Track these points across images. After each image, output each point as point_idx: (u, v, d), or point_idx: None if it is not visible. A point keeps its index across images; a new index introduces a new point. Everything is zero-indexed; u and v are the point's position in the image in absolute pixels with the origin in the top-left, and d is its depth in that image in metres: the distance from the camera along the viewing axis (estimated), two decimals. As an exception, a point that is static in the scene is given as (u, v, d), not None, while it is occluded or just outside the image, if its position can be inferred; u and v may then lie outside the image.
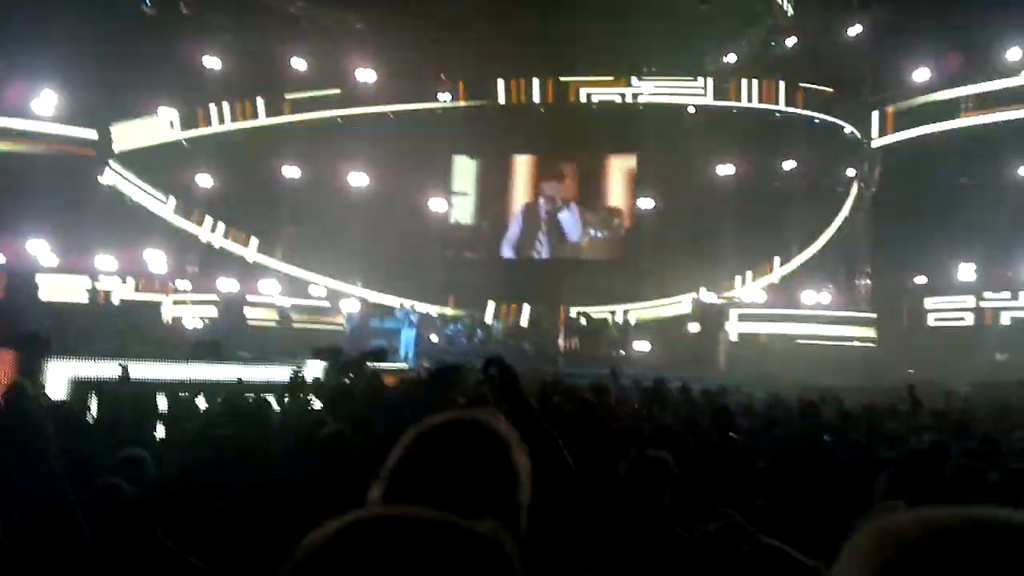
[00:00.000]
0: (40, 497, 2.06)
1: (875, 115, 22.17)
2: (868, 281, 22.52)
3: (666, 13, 21.85)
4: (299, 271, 24.24)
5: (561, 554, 2.16)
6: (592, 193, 25.94)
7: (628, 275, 23.75)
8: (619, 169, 25.96)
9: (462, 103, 24.72)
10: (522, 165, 26.42)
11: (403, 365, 15.81)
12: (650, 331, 22.40)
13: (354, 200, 24.66)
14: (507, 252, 26.14)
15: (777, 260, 23.00)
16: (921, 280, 21.15)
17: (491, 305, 23.83)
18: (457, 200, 26.41)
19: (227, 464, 4.20)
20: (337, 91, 24.75)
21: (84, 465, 3.67)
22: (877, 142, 22.13)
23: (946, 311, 20.30)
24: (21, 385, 2.28)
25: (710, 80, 23.77)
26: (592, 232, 25.80)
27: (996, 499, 3.05)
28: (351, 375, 7.06)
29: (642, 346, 21.68)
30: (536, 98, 24.48)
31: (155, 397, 6.80)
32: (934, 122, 20.85)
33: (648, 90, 24.05)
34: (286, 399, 6.81)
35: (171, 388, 7.55)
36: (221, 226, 24.37)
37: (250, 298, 21.90)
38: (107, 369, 8.19)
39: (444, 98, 24.71)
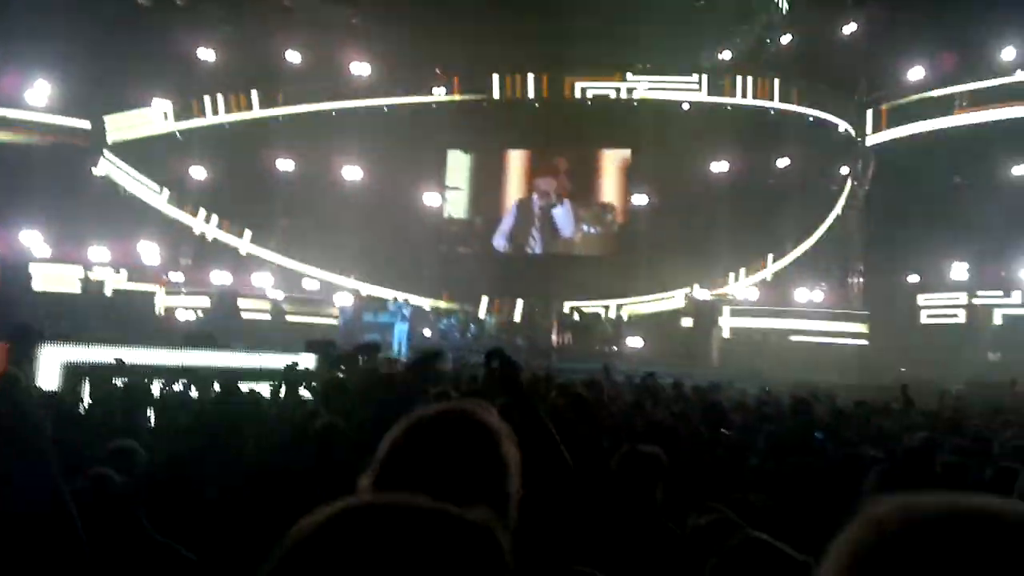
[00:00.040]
0: (33, 488, 2.06)
1: (869, 113, 22.22)
2: (861, 279, 22.57)
3: (661, 9, 21.86)
4: (293, 263, 24.19)
5: (552, 546, 2.16)
6: (585, 189, 25.95)
7: (621, 271, 23.79)
8: (613, 165, 25.97)
9: (457, 97, 24.70)
10: (516, 160, 26.41)
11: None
12: (643, 327, 22.43)
13: (348, 194, 24.62)
14: (499, 243, 26.11)
15: (771, 257, 23.04)
16: (914, 279, 21.21)
17: (484, 300, 23.83)
18: (451, 195, 26.40)
19: (219, 454, 4.19)
20: (331, 84, 24.69)
21: (75, 455, 3.66)
22: (871, 140, 22.17)
23: (939, 306, 20.37)
24: (14, 376, 2.28)
25: (705, 77, 23.78)
26: (585, 228, 25.81)
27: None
28: (344, 368, 7.06)
29: (635, 342, 21.70)
30: (531, 93, 24.46)
31: (148, 387, 6.79)
32: (928, 124, 20.91)
33: (643, 86, 24.05)
34: (281, 391, 6.80)
35: (165, 376, 7.53)
36: (214, 218, 24.31)
37: (243, 291, 21.85)
38: (99, 356, 8.19)
39: (439, 92, 24.67)
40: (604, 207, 25.86)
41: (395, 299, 21.98)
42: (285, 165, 24.81)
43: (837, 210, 22.66)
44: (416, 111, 24.61)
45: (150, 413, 6.37)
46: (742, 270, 23.01)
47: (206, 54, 23.64)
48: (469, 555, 0.78)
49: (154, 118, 24.26)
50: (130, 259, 22.28)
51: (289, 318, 21.47)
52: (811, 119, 23.05)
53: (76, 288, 20.95)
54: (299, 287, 23.45)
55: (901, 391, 8.78)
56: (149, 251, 22.79)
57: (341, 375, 6.91)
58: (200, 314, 20.75)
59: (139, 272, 22.14)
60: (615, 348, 21.21)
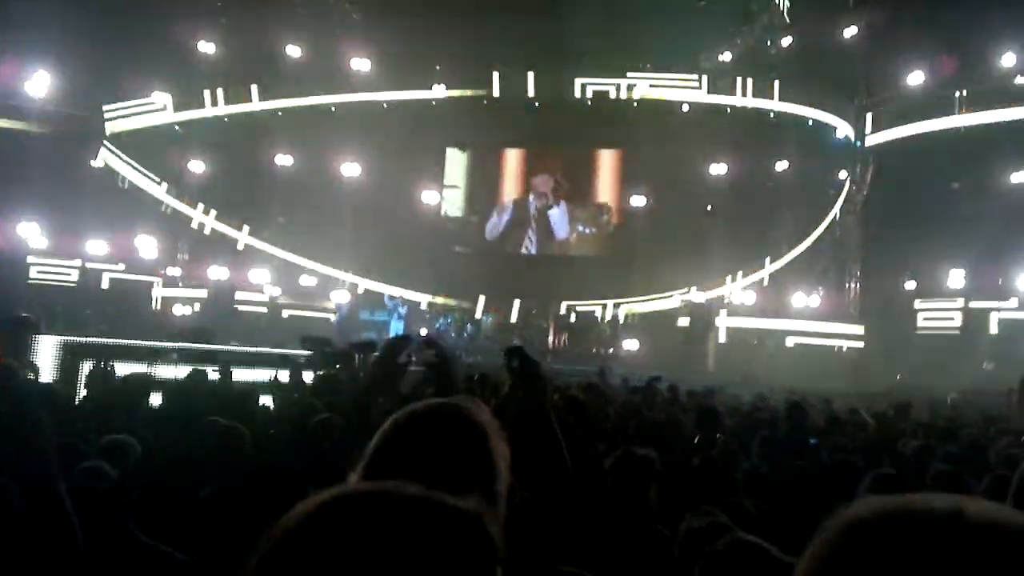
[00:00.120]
0: (31, 486, 2.05)
1: (868, 117, 22.23)
2: (858, 284, 22.58)
3: (662, 10, 21.85)
4: (290, 255, 24.15)
5: (544, 546, 2.17)
6: (582, 189, 25.89)
7: (618, 272, 23.77)
8: (610, 165, 25.94)
9: (455, 92, 24.66)
10: (513, 159, 26.38)
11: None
12: (640, 330, 22.42)
13: (346, 190, 24.60)
14: (492, 234, 26.09)
15: (767, 261, 23.04)
16: (911, 285, 21.21)
17: (481, 300, 23.82)
18: (448, 193, 26.37)
19: (214, 452, 4.18)
20: (331, 79, 24.69)
21: (69, 449, 3.65)
22: (870, 143, 22.18)
23: (935, 309, 20.38)
24: (10, 367, 2.26)
25: (704, 77, 23.78)
26: (581, 228, 25.77)
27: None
28: (339, 365, 7.06)
29: (631, 345, 21.71)
30: (531, 92, 24.44)
31: (147, 379, 6.79)
32: (927, 125, 20.96)
33: (643, 87, 24.04)
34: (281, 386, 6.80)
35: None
36: (212, 212, 24.28)
37: (240, 287, 21.85)
38: (96, 348, 8.19)
39: (438, 90, 24.65)
40: (600, 208, 25.83)
41: (392, 297, 22.00)
42: (284, 160, 24.78)
43: (834, 213, 22.67)
44: (415, 108, 24.58)
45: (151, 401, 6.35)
46: (739, 274, 23.00)
47: (206, 47, 23.62)
48: (459, 542, 0.78)
49: (153, 110, 24.24)
50: (128, 253, 22.28)
51: (285, 314, 21.47)
52: (810, 122, 23.05)
53: (72, 281, 20.98)
54: (296, 284, 23.42)
55: (897, 409, 8.74)
56: (147, 245, 22.78)
57: (335, 372, 6.91)
58: (196, 309, 20.76)
59: (137, 266, 22.16)
60: (611, 350, 21.21)
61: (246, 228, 24.30)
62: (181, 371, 7.36)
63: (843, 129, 22.69)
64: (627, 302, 23.41)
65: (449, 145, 26.20)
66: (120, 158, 23.63)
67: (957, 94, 20.44)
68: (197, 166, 24.36)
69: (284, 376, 7.69)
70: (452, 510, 0.80)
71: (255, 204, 24.09)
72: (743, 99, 23.35)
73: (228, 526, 3.06)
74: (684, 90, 23.97)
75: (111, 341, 7.71)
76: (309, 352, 9.06)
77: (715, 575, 2.08)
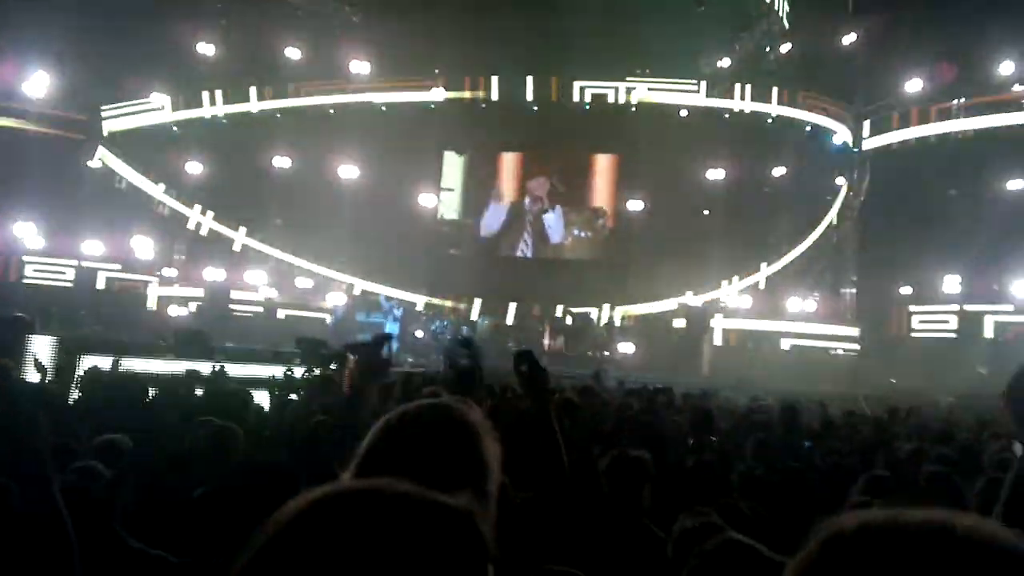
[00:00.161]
0: (26, 483, 2.05)
1: (867, 124, 22.29)
2: (854, 290, 22.62)
3: (661, 16, 21.88)
4: (286, 255, 24.13)
5: (536, 545, 2.18)
6: (578, 193, 25.90)
7: (614, 275, 23.79)
8: (606, 170, 25.94)
9: (453, 94, 24.67)
10: (510, 162, 26.39)
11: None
12: (635, 333, 22.43)
13: (344, 192, 24.59)
14: (486, 231, 26.11)
15: (764, 266, 23.07)
16: (907, 290, 21.26)
17: (477, 302, 23.82)
18: (444, 196, 26.37)
19: (208, 451, 4.18)
20: (330, 81, 24.70)
21: (62, 448, 3.64)
22: (867, 150, 22.24)
23: (931, 315, 20.42)
24: (3, 367, 2.26)
25: (703, 83, 23.82)
26: (576, 232, 25.79)
27: (973, 505, 3.08)
28: (334, 367, 7.05)
29: (627, 348, 21.71)
30: (530, 96, 24.45)
31: (142, 382, 6.77)
32: (925, 133, 21.02)
33: (641, 91, 24.06)
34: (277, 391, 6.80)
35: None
36: (209, 213, 24.26)
37: (236, 288, 21.82)
38: (91, 349, 8.18)
39: (437, 93, 24.66)
40: (595, 212, 25.84)
41: (388, 299, 21.98)
42: (281, 162, 24.76)
43: (830, 216, 22.71)
44: (413, 111, 24.60)
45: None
46: (735, 278, 23.02)
47: (206, 48, 23.63)
48: (450, 540, 0.78)
49: (152, 112, 24.22)
50: (124, 253, 22.26)
51: (281, 315, 21.43)
52: (808, 129, 23.11)
53: (68, 282, 20.95)
54: (293, 286, 23.39)
55: (890, 412, 8.77)
56: (143, 246, 22.75)
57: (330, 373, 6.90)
58: (195, 310, 20.74)
59: (132, 266, 22.13)
60: (607, 353, 21.21)
61: (243, 229, 24.27)
62: (177, 367, 7.37)
63: (841, 135, 22.75)
64: (623, 305, 23.42)
65: (447, 148, 26.21)
66: (118, 158, 23.61)
67: (955, 101, 20.53)
68: (195, 167, 24.35)
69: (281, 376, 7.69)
70: (444, 508, 0.80)
71: (252, 205, 24.07)
72: (741, 102, 23.38)
73: (221, 526, 3.05)
74: (683, 94, 23.99)
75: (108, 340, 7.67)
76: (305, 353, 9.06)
77: (705, 574, 2.08)
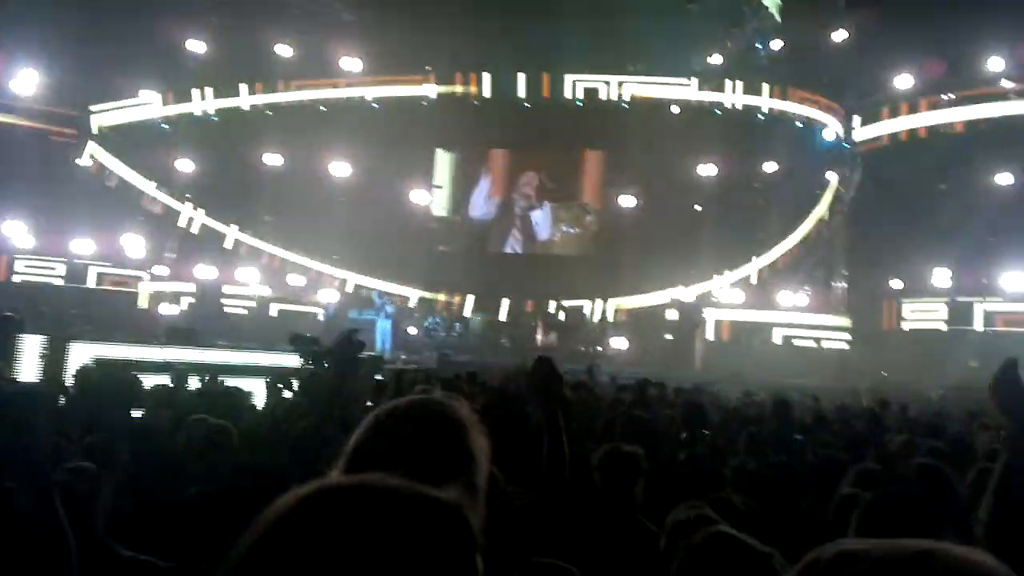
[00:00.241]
0: (24, 485, 2.04)
1: (857, 119, 22.38)
2: (845, 284, 22.71)
3: (652, 14, 21.91)
4: (278, 250, 24.08)
5: (527, 540, 2.19)
6: (568, 189, 25.93)
7: (605, 271, 23.80)
8: (596, 166, 25.98)
9: (444, 88, 24.64)
10: (500, 159, 26.39)
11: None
12: (628, 328, 22.47)
13: (335, 190, 24.56)
14: (475, 213, 26.17)
15: (755, 260, 23.13)
16: (897, 284, 21.37)
17: (471, 298, 23.83)
18: (434, 192, 26.36)
19: (202, 452, 4.17)
20: (321, 78, 24.65)
21: (54, 449, 3.63)
22: (858, 145, 22.34)
23: (921, 309, 20.51)
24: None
25: (695, 80, 23.86)
26: (564, 228, 25.82)
27: (967, 497, 3.10)
28: (326, 364, 7.02)
29: (619, 343, 21.75)
30: (522, 92, 24.44)
31: (136, 381, 6.74)
32: (914, 124, 21.15)
33: (632, 87, 24.07)
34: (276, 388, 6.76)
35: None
36: (200, 211, 24.18)
37: (227, 286, 21.77)
38: (81, 347, 8.16)
39: (428, 90, 24.63)
40: (583, 208, 25.87)
41: (381, 295, 21.94)
42: (273, 160, 24.70)
43: (820, 210, 22.79)
44: (404, 108, 24.56)
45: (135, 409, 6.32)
46: (727, 273, 23.07)
47: (196, 45, 23.54)
48: (439, 533, 0.79)
49: (141, 109, 24.13)
50: (114, 251, 22.19)
51: (273, 312, 21.39)
52: (799, 124, 23.18)
53: (58, 280, 20.89)
54: (284, 284, 23.35)
55: (880, 404, 8.82)
56: (134, 243, 22.68)
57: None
58: (186, 308, 20.68)
59: (123, 265, 22.07)
60: (600, 348, 21.24)
61: (234, 226, 24.21)
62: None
63: (831, 130, 22.83)
64: (615, 300, 23.45)
65: (438, 145, 26.20)
66: (109, 155, 23.52)
67: (943, 97, 20.66)
68: (185, 164, 24.27)
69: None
70: (432, 501, 0.81)
71: (243, 203, 24.00)
72: (732, 95, 23.43)
73: (213, 525, 3.05)
74: (674, 87, 23.99)
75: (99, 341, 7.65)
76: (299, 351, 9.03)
77: (693, 566, 2.10)
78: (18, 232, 21.15)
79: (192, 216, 24.07)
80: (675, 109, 23.93)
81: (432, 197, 26.22)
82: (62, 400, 6.53)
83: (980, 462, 3.90)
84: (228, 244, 24.09)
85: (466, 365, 13.09)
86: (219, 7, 23.32)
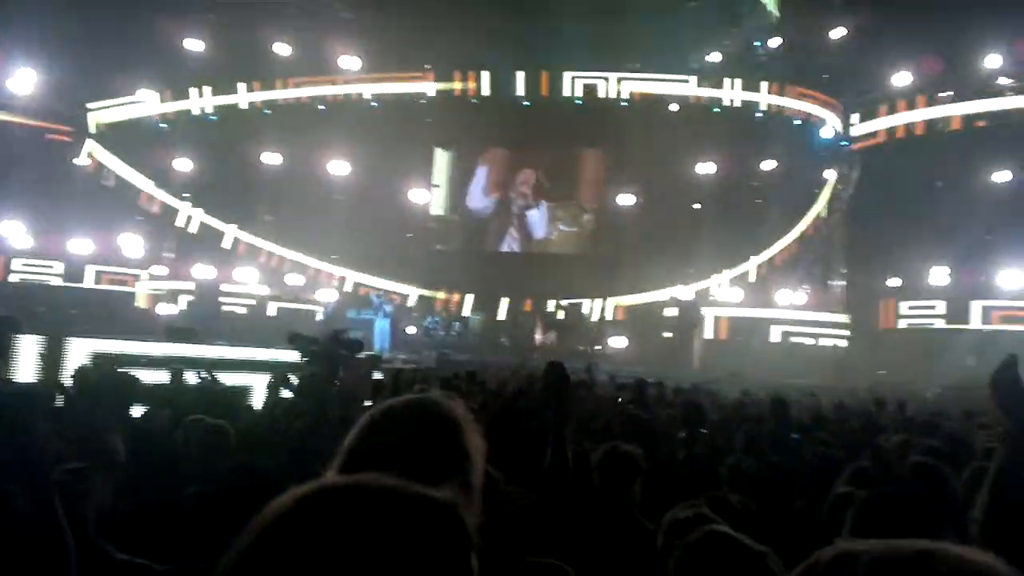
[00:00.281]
0: (24, 486, 2.04)
1: (855, 117, 22.39)
2: (843, 282, 22.73)
3: (651, 12, 21.90)
4: (277, 247, 24.07)
5: (525, 539, 2.19)
6: (566, 187, 25.92)
7: (603, 270, 23.81)
8: (594, 165, 25.98)
9: (443, 85, 24.62)
10: (499, 158, 26.37)
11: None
12: (626, 327, 22.48)
13: (334, 189, 24.55)
14: (472, 204, 26.16)
15: (753, 259, 23.15)
16: (895, 282, 21.39)
17: (469, 298, 23.82)
18: (433, 191, 26.36)
19: (200, 452, 4.17)
20: (319, 77, 24.63)
21: (52, 449, 3.62)
22: (856, 142, 22.35)
23: (919, 307, 20.53)
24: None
25: (693, 78, 23.86)
26: (561, 227, 25.81)
27: (961, 496, 3.11)
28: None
29: (618, 342, 21.75)
30: (521, 90, 24.42)
31: (134, 381, 6.73)
32: (912, 119, 21.17)
33: (631, 84, 24.06)
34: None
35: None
36: (199, 210, 24.16)
37: (225, 285, 21.74)
38: (80, 347, 8.15)
39: (427, 87, 24.61)
40: (580, 206, 25.87)
41: (380, 294, 21.94)
42: (271, 159, 24.68)
43: (818, 207, 22.80)
44: (403, 107, 24.54)
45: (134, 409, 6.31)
46: (725, 271, 23.08)
47: (194, 44, 23.51)
48: (434, 532, 0.79)
49: (139, 108, 24.10)
50: (112, 251, 22.18)
51: (272, 311, 21.37)
52: (797, 123, 23.19)
53: (56, 280, 20.87)
54: (282, 284, 23.33)
55: (877, 403, 8.83)
56: (132, 243, 22.66)
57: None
58: (184, 307, 20.66)
59: (121, 264, 22.05)
60: (598, 348, 21.24)
61: (232, 225, 24.20)
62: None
63: (829, 128, 22.83)
64: (614, 298, 23.46)
65: (437, 144, 26.19)
66: (107, 154, 23.49)
67: (941, 95, 20.69)
68: (184, 163, 24.24)
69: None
70: (428, 500, 0.82)
71: (242, 202, 23.99)
72: (731, 92, 23.43)
73: (211, 525, 3.05)
74: (673, 84, 23.97)
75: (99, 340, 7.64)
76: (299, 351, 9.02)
77: (689, 565, 2.10)
78: (15, 232, 21.13)
79: (190, 215, 24.06)
80: (674, 107, 23.92)
81: (431, 196, 26.21)
82: (60, 400, 6.53)
83: (977, 461, 3.91)
84: (226, 243, 24.08)
85: (465, 364, 13.11)
86: (217, 5, 23.28)
